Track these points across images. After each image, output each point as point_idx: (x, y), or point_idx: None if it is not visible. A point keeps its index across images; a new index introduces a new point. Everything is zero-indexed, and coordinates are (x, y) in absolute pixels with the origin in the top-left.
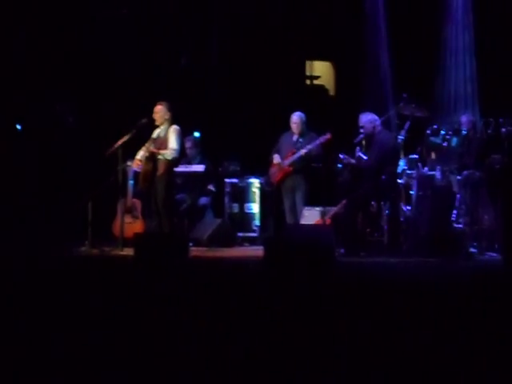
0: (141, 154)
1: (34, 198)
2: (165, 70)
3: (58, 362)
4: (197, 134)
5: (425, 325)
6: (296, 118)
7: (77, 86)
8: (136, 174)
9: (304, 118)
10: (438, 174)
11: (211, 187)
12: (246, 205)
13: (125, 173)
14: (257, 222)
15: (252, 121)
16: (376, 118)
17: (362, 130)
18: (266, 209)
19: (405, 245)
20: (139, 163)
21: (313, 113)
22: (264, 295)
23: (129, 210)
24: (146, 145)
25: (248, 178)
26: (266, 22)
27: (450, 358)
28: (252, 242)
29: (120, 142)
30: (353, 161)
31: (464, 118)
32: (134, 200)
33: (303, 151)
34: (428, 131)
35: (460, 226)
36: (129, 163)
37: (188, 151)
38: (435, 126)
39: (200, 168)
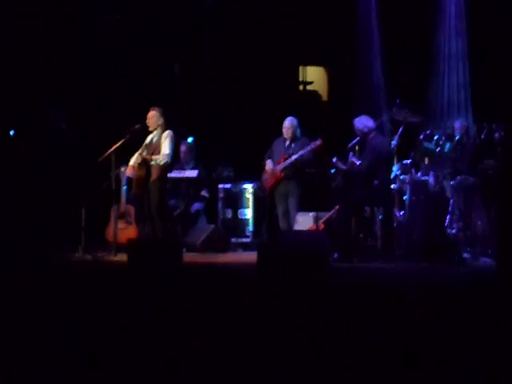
0: (134, 160)
1: (27, 203)
2: (158, 75)
3: (51, 366)
4: (190, 139)
5: (418, 330)
6: (288, 123)
7: (70, 92)
8: (129, 179)
9: (296, 123)
10: (431, 179)
11: (204, 193)
12: (240, 210)
13: (118, 179)
14: (250, 228)
15: (245, 126)
16: (368, 122)
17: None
18: (259, 214)
19: (398, 250)
20: (132, 169)
21: (306, 118)
22: (257, 301)
23: (122, 216)
24: (140, 151)
25: (241, 184)
26: (259, 28)
27: (443, 363)
28: (245, 247)
29: (113, 148)
30: (343, 167)
31: (457, 124)
32: (128, 206)
33: (294, 157)
34: (421, 136)
35: (453, 231)
36: (122, 169)
37: (182, 156)
38: (428, 132)
39: (193, 173)
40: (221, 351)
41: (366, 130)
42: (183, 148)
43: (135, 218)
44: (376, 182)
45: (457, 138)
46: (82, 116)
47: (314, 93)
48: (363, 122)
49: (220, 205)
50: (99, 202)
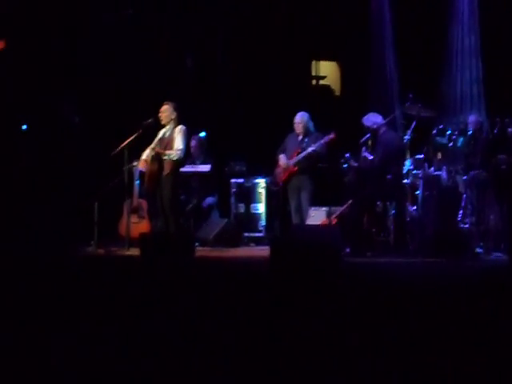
0: (146, 154)
1: (40, 198)
2: (171, 70)
3: (62, 360)
4: (202, 134)
5: (431, 325)
6: (298, 118)
7: (83, 86)
8: (142, 174)
9: (307, 118)
10: (443, 174)
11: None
12: (252, 205)
13: (131, 173)
14: (263, 222)
15: (258, 121)
16: (376, 118)
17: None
18: (271, 209)
19: (411, 245)
20: (145, 163)
21: (319, 113)
22: (270, 295)
23: (135, 210)
24: (152, 145)
25: (254, 179)
26: (272, 22)
27: (456, 358)
28: (258, 242)
29: (126, 142)
30: (355, 164)
31: (471, 118)
32: (140, 200)
33: (308, 151)
34: (434, 131)
35: (466, 226)
36: (135, 163)
37: (192, 150)
38: (441, 126)
39: (206, 168)
40: (233, 345)
41: (374, 126)
42: (194, 142)
43: (148, 212)
44: (389, 176)
45: (469, 132)
46: (95, 110)
47: (327, 87)
48: (371, 119)
49: (233, 199)
50: (112, 196)
